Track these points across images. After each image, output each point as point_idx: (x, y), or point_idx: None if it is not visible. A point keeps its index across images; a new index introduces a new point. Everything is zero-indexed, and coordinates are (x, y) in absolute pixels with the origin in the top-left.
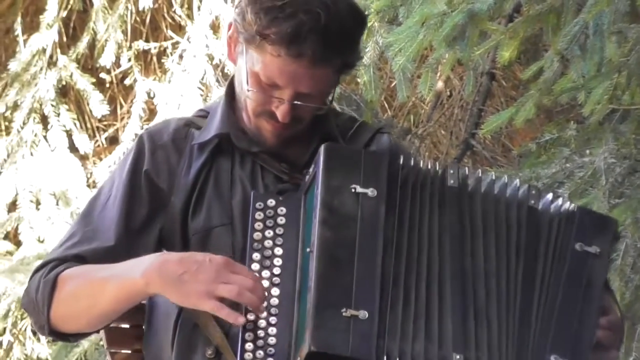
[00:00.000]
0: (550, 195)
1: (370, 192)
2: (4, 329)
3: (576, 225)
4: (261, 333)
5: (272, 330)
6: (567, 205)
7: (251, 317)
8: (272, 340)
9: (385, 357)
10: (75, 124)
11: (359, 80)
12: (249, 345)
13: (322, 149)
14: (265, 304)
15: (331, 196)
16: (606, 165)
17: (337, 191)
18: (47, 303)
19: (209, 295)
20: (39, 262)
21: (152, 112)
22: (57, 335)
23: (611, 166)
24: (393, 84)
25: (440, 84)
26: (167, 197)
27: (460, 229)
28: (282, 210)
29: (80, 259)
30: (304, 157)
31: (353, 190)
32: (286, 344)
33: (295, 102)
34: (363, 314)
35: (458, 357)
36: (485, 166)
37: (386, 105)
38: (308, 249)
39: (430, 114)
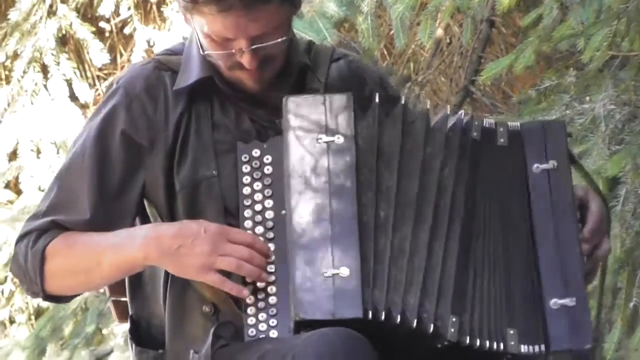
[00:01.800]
0: (486, 122)
1: (337, 139)
2: (5, 277)
3: (525, 146)
4: (261, 294)
5: (272, 289)
6: (508, 129)
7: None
8: (272, 300)
9: (372, 311)
10: (75, 73)
11: (357, 28)
12: (250, 309)
13: (283, 103)
14: (265, 273)
15: (298, 154)
16: (606, 112)
17: (304, 145)
18: (40, 274)
19: (208, 268)
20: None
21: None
22: (52, 299)
23: (611, 112)
24: (392, 32)
25: (439, 31)
26: (147, 152)
27: (421, 164)
28: (267, 158)
29: (61, 227)
30: (278, 97)
31: (319, 141)
32: (287, 302)
33: (254, 46)
34: (344, 270)
35: (454, 319)
36: (485, 113)
37: (386, 53)
38: (283, 211)
39: (429, 61)
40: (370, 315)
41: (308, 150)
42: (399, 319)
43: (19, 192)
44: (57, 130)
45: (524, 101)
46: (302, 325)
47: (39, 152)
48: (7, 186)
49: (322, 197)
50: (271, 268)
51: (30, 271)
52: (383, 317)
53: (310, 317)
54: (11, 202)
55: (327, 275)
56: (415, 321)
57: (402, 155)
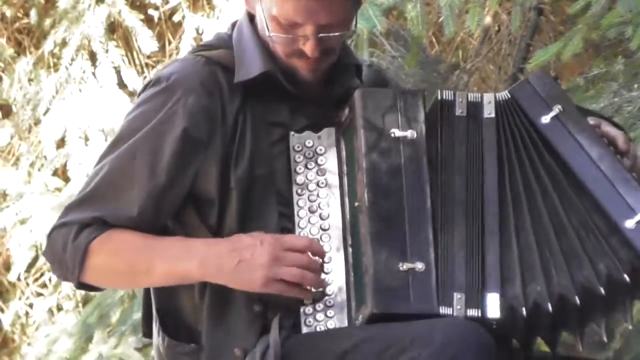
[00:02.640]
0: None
1: (410, 134)
2: None
3: (523, 106)
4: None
5: (329, 279)
6: (498, 99)
7: None
8: (329, 291)
9: (449, 308)
10: (123, 60)
11: (406, 15)
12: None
13: (356, 95)
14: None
15: (372, 146)
16: None
17: (376, 140)
18: (79, 268)
19: (272, 280)
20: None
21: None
22: (85, 288)
23: None
24: (441, 19)
25: (488, 19)
26: (204, 146)
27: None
28: (321, 149)
29: (103, 222)
30: (334, 94)
31: (392, 135)
32: (343, 292)
33: (320, 34)
34: (419, 265)
35: (625, 276)
36: None
37: (434, 40)
38: (356, 203)
39: (478, 49)
40: (446, 311)
41: (381, 144)
42: (476, 313)
43: (66, 180)
44: (105, 118)
45: (572, 89)
46: (376, 318)
47: (87, 139)
48: (55, 173)
49: (396, 192)
50: (327, 259)
51: (69, 262)
52: (462, 313)
53: (387, 311)
54: (59, 189)
55: (403, 269)
56: (498, 312)
57: (455, 153)
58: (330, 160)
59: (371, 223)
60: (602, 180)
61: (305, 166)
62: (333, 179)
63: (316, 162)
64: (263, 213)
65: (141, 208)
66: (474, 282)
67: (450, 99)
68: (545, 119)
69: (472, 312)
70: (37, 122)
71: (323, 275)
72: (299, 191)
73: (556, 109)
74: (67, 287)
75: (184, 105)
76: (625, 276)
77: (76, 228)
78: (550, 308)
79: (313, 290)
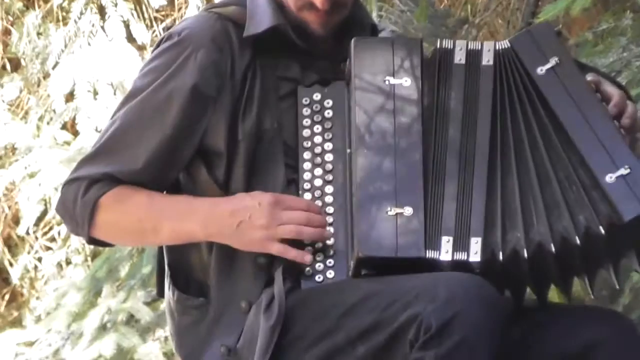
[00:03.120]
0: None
1: (404, 82)
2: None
3: (521, 56)
4: None
5: (329, 230)
6: (497, 48)
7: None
8: (330, 241)
9: (436, 252)
10: (132, 14)
11: None
12: (307, 250)
13: (351, 43)
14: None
15: (365, 93)
16: None
17: (370, 87)
18: (88, 223)
19: (270, 240)
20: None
21: (209, 2)
22: (96, 243)
23: None
24: None
25: None
26: (213, 101)
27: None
28: (328, 102)
29: (113, 178)
30: (345, 50)
31: (386, 82)
32: (344, 244)
33: None
34: (408, 210)
35: (601, 228)
36: None
37: None
38: (348, 150)
39: (487, 3)
40: (433, 255)
41: (374, 91)
42: (463, 256)
43: (75, 133)
44: (114, 72)
45: (580, 44)
46: (363, 263)
47: (95, 93)
48: (63, 127)
49: (387, 138)
50: (329, 209)
51: (78, 218)
52: (449, 257)
53: (373, 254)
54: (68, 143)
55: (391, 213)
56: (483, 255)
57: (451, 101)
58: (336, 113)
59: (360, 168)
60: (589, 134)
61: (312, 119)
62: (339, 131)
63: (323, 116)
64: (270, 166)
65: (147, 162)
66: (462, 226)
67: (449, 47)
68: (541, 70)
69: (459, 256)
70: (46, 75)
71: (328, 237)
72: (305, 144)
73: (553, 61)
74: (76, 241)
75: (194, 60)
76: (601, 229)
77: (86, 183)
78: (526, 255)
79: (307, 254)
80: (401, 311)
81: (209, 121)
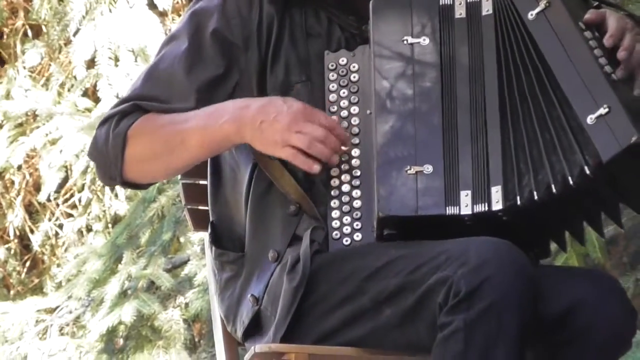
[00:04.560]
0: None
1: (422, 40)
2: (83, 185)
3: (513, 1)
4: (346, 198)
5: (356, 192)
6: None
7: (335, 182)
8: (357, 204)
9: (456, 207)
10: None
11: None
12: (335, 213)
13: (370, 4)
14: (339, 157)
15: (383, 54)
16: None
17: (387, 47)
18: (120, 156)
19: (282, 144)
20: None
21: None
22: (128, 185)
23: None
24: None
25: None
26: (242, 51)
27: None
28: (354, 66)
29: (145, 110)
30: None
31: (405, 42)
32: (371, 206)
33: None
34: (428, 168)
35: (587, 170)
36: None
37: None
38: (368, 111)
39: None
40: (453, 211)
41: (393, 51)
42: (484, 207)
43: (96, 100)
44: (135, 38)
45: None
46: (384, 223)
47: (117, 60)
48: (84, 94)
49: (407, 102)
50: (356, 172)
51: (111, 154)
52: (469, 211)
53: (393, 214)
54: (89, 110)
55: (411, 172)
56: (501, 204)
57: (457, 56)
58: (362, 77)
59: (380, 129)
60: (573, 76)
61: (339, 84)
62: (365, 95)
63: (349, 80)
64: None
65: (181, 101)
66: (480, 178)
67: (449, 3)
68: (532, 15)
69: (479, 208)
70: (67, 42)
71: (335, 162)
72: (332, 108)
73: (542, 4)
74: (97, 207)
75: (219, 9)
76: (587, 169)
77: (117, 118)
78: (536, 197)
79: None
80: (430, 274)
81: (241, 75)
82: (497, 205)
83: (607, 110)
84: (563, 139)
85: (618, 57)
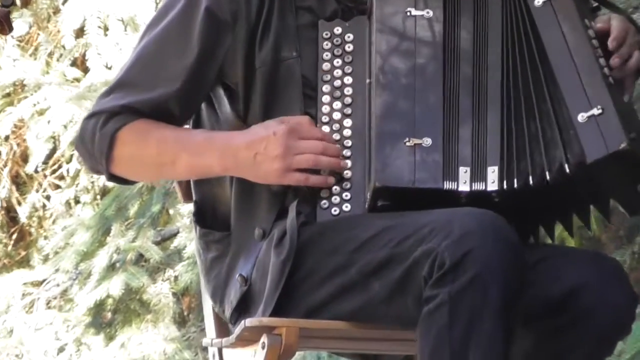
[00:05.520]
0: None
1: (426, 13)
2: (71, 156)
3: None
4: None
5: (347, 163)
6: None
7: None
8: (347, 174)
9: (454, 183)
10: None
11: None
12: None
13: None
14: (342, 154)
15: (385, 24)
16: None
17: (391, 18)
18: (106, 157)
19: (287, 170)
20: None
21: None
22: (115, 180)
23: None
24: None
25: None
26: (229, 27)
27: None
28: (349, 36)
29: (133, 110)
30: None
31: (408, 14)
32: (361, 177)
33: None
34: (427, 141)
35: (548, 174)
36: None
37: None
38: (368, 80)
39: None
40: (450, 186)
41: (395, 23)
42: (481, 186)
43: (85, 70)
44: (124, 7)
45: None
46: (380, 194)
47: (106, 29)
48: (73, 64)
49: (408, 70)
50: (347, 143)
51: (97, 152)
52: (468, 187)
53: (389, 185)
54: (78, 80)
55: (409, 144)
56: (496, 184)
57: (469, 37)
58: (357, 48)
59: (379, 98)
60: (571, 71)
61: (333, 53)
62: (359, 66)
63: (344, 50)
64: (288, 97)
65: (168, 89)
66: (479, 157)
67: None
68: (538, 2)
69: (477, 186)
70: (56, 11)
71: (345, 166)
72: (325, 77)
73: None
74: (85, 179)
75: None
76: (567, 167)
77: (105, 116)
78: (531, 182)
79: (330, 177)
80: (415, 246)
81: (227, 51)
82: (492, 185)
83: (600, 111)
84: (547, 131)
85: (611, 64)
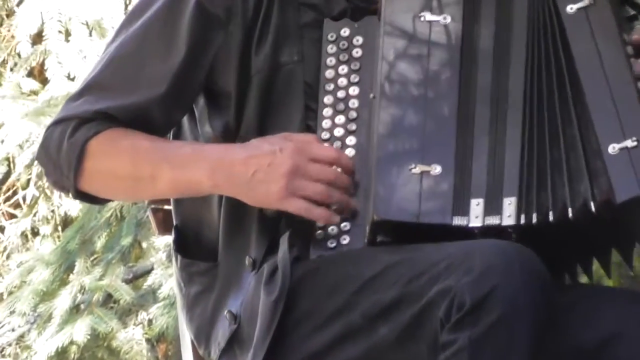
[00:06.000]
0: None
1: (443, 19)
2: (28, 181)
3: None
4: None
5: (357, 201)
6: None
7: None
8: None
9: (465, 218)
10: None
11: None
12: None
13: None
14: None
15: (396, 30)
16: None
17: (402, 23)
18: (75, 170)
19: (291, 194)
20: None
21: None
22: (83, 198)
23: None
24: None
25: None
26: (222, 24)
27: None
28: (357, 40)
29: (107, 117)
30: None
31: (422, 19)
32: (364, 206)
33: None
34: (436, 168)
35: (592, 205)
36: None
37: None
38: (371, 95)
39: None
40: (460, 222)
41: (406, 28)
42: (495, 220)
43: (44, 82)
44: (89, 9)
45: None
46: (379, 228)
47: (68, 34)
48: (30, 74)
49: (418, 84)
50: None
51: (63, 165)
52: (480, 222)
53: (390, 218)
54: (35, 92)
55: (415, 171)
56: (513, 218)
57: (489, 44)
58: (366, 53)
59: (384, 113)
60: (604, 93)
61: (338, 59)
62: (368, 74)
63: (350, 55)
64: (287, 107)
65: (147, 95)
66: (495, 186)
67: None
68: (571, 9)
69: (491, 220)
70: (10, 13)
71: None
72: (327, 87)
73: (587, 0)
74: (44, 207)
75: None
76: (592, 205)
77: (74, 123)
78: (551, 218)
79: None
80: (429, 285)
81: (218, 52)
82: (509, 219)
83: (635, 144)
84: (572, 160)
85: None
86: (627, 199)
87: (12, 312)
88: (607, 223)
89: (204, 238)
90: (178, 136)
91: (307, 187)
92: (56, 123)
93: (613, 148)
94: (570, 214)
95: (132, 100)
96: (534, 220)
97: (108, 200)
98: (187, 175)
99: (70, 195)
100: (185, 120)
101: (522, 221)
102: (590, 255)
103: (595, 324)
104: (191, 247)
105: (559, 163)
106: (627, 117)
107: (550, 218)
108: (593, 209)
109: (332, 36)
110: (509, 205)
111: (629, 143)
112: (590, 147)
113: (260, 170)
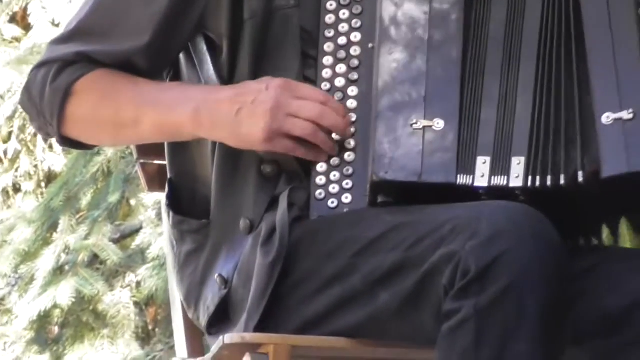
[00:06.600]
0: None
1: None
2: (9, 134)
3: None
4: (335, 148)
5: (350, 143)
6: None
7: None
8: (349, 156)
9: (470, 176)
10: None
11: None
12: (321, 166)
13: None
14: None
15: None
16: None
17: None
18: (58, 115)
19: (275, 133)
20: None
21: None
22: (68, 143)
23: None
24: None
25: None
26: None
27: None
28: None
29: (90, 60)
30: None
31: None
32: (366, 162)
33: None
34: (439, 123)
35: (580, 174)
36: None
37: None
38: (370, 44)
39: None
40: (465, 180)
41: None
42: (502, 181)
43: (27, 28)
44: None
45: None
46: (379, 188)
47: None
48: (12, 20)
49: (421, 29)
50: (352, 117)
51: (46, 110)
52: (486, 182)
53: (390, 178)
54: (17, 39)
55: (417, 126)
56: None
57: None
58: None
59: (381, 66)
60: (608, 60)
61: (339, 2)
62: (369, 19)
63: None
64: (282, 55)
65: (136, 40)
66: (503, 143)
67: None
68: None
69: (497, 180)
70: None
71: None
72: (327, 33)
73: None
74: (27, 162)
75: None
76: (580, 175)
77: (57, 67)
78: (563, 181)
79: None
80: (432, 249)
81: (207, 1)
82: (516, 180)
83: (630, 116)
84: (570, 125)
85: None
86: (613, 175)
87: None
88: (598, 195)
89: (198, 194)
90: (177, 80)
91: (292, 123)
92: (39, 66)
93: (607, 118)
94: (580, 178)
95: (116, 48)
96: (548, 182)
97: (94, 146)
98: (171, 116)
99: (56, 139)
100: (183, 64)
101: (529, 184)
102: (601, 220)
103: (621, 287)
104: (184, 203)
105: (558, 127)
106: (628, 87)
107: (562, 182)
108: (581, 179)
109: None
110: (518, 165)
111: (625, 115)
112: (587, 113)
113: (245, 107)
